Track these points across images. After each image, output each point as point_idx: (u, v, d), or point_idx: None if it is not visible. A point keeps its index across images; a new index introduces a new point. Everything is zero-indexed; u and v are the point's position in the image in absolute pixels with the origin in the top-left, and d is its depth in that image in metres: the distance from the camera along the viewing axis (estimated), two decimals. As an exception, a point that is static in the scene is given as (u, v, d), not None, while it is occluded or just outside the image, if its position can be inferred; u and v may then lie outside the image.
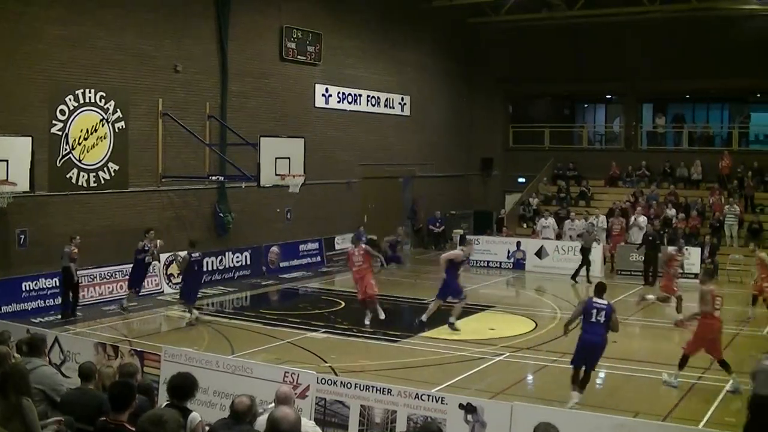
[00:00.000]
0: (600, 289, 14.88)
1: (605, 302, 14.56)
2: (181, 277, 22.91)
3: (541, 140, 42.12)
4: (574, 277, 28.81)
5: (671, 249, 24.96)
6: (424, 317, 20.88)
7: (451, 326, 20.55)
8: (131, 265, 22.97)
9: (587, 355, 14.56)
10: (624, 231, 32.37)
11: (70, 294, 21.66)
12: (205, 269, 24.38)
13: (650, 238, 29.23)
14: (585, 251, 28.96)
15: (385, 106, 36.12)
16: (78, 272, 21.71)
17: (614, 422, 10.69)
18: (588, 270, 28.86)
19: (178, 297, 22.96)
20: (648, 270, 28.91)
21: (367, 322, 21.09)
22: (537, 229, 34.16)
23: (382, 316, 21.43)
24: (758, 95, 41.50)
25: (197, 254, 21.82)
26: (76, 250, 21.21)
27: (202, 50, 27.22)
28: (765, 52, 35.54)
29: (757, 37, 36.16)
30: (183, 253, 22.69)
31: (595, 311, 14.38)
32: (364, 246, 21.82)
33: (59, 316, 21.40)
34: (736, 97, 41.40)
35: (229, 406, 8.12)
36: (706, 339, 15.73)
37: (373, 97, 35.31)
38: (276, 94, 30.26)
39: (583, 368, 14.64)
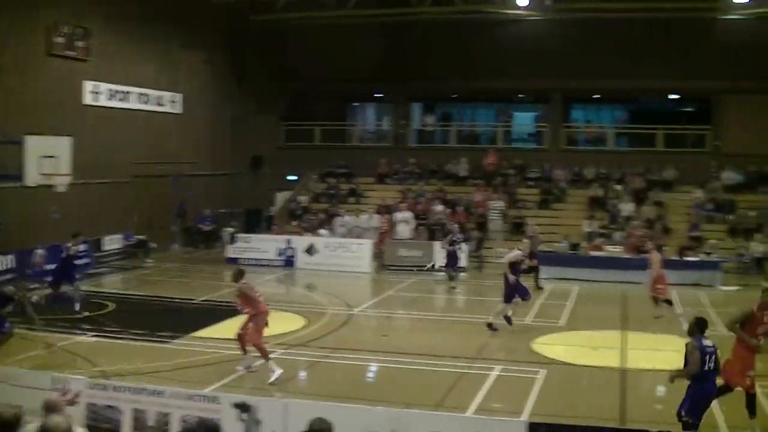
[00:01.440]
0: (703, 327, 12.34)
1: (713, 344, 12.12)
2: None
3: (313, 138, 42.60)
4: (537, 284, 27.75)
5: None
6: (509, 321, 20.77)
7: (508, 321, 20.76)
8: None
9: (706, 407, 12.31)
10: (390, 227, 33.22)
11: None
12: None
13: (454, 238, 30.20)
14: (531, 256, 27.14)
15: (157, 104, 35.59)
16: None
17: (388, 415, 11.06)
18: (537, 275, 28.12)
19: None
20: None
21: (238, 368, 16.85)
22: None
23: (274, 376, 15.96)
24: (521, 96, 43.56)
25: None
26: None
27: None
28: (527, 54, 37.33)
29: (520, 40, 37.91)
30: None
31: (707, 357, 11.96)
32: (237, 285, 16.59)
33: None
34: (501, 97, 43.29)
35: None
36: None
37: (144, 94, 34.69)
38: (43, 90, 29.08)
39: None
